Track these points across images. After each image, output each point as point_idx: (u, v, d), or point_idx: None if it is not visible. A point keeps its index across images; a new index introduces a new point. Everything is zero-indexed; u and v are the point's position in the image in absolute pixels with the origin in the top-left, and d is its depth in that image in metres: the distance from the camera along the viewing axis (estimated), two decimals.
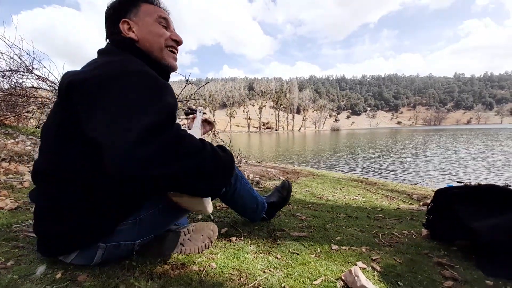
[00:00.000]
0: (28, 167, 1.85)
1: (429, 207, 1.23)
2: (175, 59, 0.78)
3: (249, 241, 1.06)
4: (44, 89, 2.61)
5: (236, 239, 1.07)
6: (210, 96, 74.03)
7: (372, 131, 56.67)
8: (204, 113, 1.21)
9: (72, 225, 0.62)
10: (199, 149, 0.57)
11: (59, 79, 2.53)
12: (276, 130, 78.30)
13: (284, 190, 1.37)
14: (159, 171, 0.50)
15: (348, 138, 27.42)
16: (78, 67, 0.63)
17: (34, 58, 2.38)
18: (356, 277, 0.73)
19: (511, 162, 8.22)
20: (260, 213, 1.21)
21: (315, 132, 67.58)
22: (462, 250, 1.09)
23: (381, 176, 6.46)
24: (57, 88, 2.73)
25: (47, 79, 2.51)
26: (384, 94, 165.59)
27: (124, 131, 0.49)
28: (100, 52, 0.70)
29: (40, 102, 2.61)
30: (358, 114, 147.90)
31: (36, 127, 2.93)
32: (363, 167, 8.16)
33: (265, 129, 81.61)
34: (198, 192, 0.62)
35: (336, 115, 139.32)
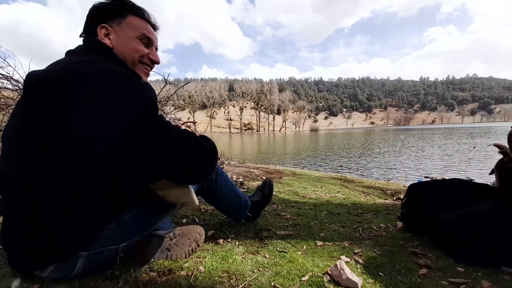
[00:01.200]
0: None
1: (403, 201, 1.32)
2: (147, 75, 0.79)
3: (237, 243, 1.06)
4: (8, 89, 2.36)
5: (223, 241, 1.06)
6: (189, 97, 72.45)
7: (349, 131, 59.29)
8: (179, 119, 1.20)
9: (48, 235, 0.58)
10: (184, 133, 0.62)
11: (24, 77, 2.29)
12: (257, 131, 78.66)
13: (266, 188, 1.39)
14: (152, 156, 0.56)
15: (326, 138, 28.38)
16: (44, 65, 0.61)
17: None
18: (341, 271, 0.76)
19: (470, 158, 9.08)
20: (244, 211, 1.21)
21: (295, 132, 69.04)
22: (433, 240, 1.19)
23: (358, 174, 6.79)
24: (22, 87, 2.49)
25: (11, 78, 2.28)
26: (358, 96, 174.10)
27: (111, 126, 0.52)
28: (70, 52, 0.66)
29: (4, 103, 2.34)
30: (335, 115, 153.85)
31: None
32: (341, 165, 8.51)
33: (246, 130, 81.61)
34: (188, 175, 0.66)
35: (314, 116, 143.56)
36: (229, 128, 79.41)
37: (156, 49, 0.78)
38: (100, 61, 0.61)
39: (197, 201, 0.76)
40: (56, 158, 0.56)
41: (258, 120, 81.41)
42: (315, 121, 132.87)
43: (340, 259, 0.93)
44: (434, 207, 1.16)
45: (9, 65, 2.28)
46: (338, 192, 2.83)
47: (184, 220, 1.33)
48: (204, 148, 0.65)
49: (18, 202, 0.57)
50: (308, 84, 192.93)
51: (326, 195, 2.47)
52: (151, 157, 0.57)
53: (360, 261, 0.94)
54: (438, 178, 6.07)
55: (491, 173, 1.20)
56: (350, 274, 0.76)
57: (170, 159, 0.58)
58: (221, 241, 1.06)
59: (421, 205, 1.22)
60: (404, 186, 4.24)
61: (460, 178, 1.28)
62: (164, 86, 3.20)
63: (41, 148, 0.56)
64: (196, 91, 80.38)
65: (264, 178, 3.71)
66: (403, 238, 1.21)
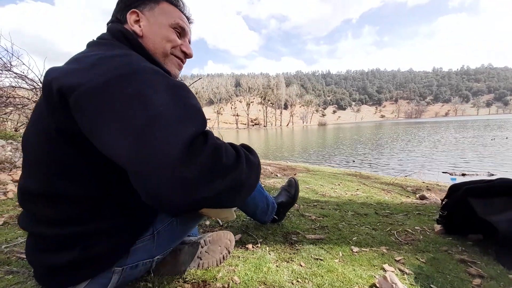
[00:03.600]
0: (10, 175, 1.67)
1: (444, 202, 1.22)
2: (180, 68, 0.69)
3: (267, 248, 0.99)
4: (23, 88, 2.35)
5: (252, 247, 1.00)
6: (196, 93, 72.72)
7: (358, 125, 58.20)
8: None
9: (81, 253, 0.52)
10: (237, 156, 0.49)
11: (39, 76, 2.29)
12: (264, 126, 78.43)
13: (292, 188, 1.32)
14: (209, 191, 0.41)
15: (335, 133, 27.95)
16: (53, 63, 0.51)
17: (12, 54, 2.13)
18: (393, 285, 0.69)
19: (490, 151, 8.69)
20: (271, 214, 1.15)
21: (303, 127, 68.37)
22: (477, 244, 1.10)
23: (371, 169, 6.62)
24: (37, 86, 2.49)
25: (26, 77, 2.26)
26: (368, 89, 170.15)
27: (162, 148, 0.39)
28: (94, 43, 0.57)
29: (19, 103, 2.34)
30: (344, 109, 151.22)
31: (14, 130, 2.65)
32: (353, 160, 8.33)
33: (253, 125, 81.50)
34: (237, 203, 0.54)
35: (322, 110, 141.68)
36: (236, 123, 79.55)
37: (189, 41, 0.70)
38: (132, 56, 0.50)
39: (235, 215, 0.71)
40: (87, 170, 0.50)
41: (265, 115, 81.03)
42: (323, 115, 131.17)
43: (383, 268, 0.86)
44: (482, 209, 1.05)
45: (23, 64, 2.26)
46: (358, 189, 2.73)
47: (208, 222, 1.28)
48: (253, 168, 0.53)
49: (49, 217, 0.52)
50: (316, 77, 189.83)
51: (346, 193, 2.38)
52: (208, 189, 0.42)
53: (406, 270, 0.86)
54: (457, 173, 5.84)
55: None
56: None
57: (225, 187, 0.44)
58: (250, 246, 1.00)
59: (464, 206, 1.12)
60: (423, 182, 4.08)
61: (509, 178, 1.16)
62: None
63: (70, 159, 0.49)
64: (203, 87, 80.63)
65: (278, 175, 3.65)
66: (445, 243, 1.12)
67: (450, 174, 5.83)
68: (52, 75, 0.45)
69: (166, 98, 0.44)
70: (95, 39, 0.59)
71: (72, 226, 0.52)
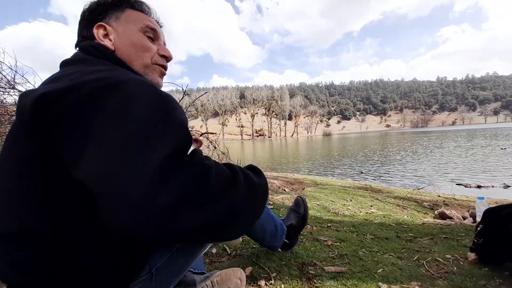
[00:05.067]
0: None
1: (479, 228, 1.09)
2: (163, 75, 0.62)
3: (282, 285, 0.88)
4: None
5: (265, 283, 0.89)
6: (202, 105, 73.92)
7: (363, 135, 57.57)
8: (192, 128, 1.06)
9: None
10: (232, 178, 0.42)
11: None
12: (269, 137, 78.53)
13: (300, 207, 1.22)
14: (196, 220, 0.35)
15: (340, 143, 27.64)
16: None
17: (16, 72, 2.13)
18: None
19: (503, 160, 8.36)
20: (281, 238, 1.04)
21: (308, 137, 68.09)
22: None
23: (382, 181, 6.40)
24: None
25: None
26: (372, 99, 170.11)
27: (136, 169, 0.33)
28: (70, 62, 0.50)
29: None
30: (348, 119, 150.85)
31: None
32: (361, 172, 8.11)
33: (258, 136, 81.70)
34: (236, 233, 0.46)
35: (327, 120, 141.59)
36: (241, 134, 79.89)
37: (164, 44, 0.64)
38: (118, 71, 0.46)
39: (240, 238, 0.62)
40: (74, 201, 0.42)
41: (269, 126, 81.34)
42: (328, 125, 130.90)
43: None
44: None
45: (28, 82, 2.26)
46: (372, 206, 2.58)
47: (214, 250, 1.17)
48: (256, 192, 0.46)
49: (24, 262, 0.43)
50: (319, 88, 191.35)
51: (360, 211, 2.24)
52: (190, 219, 0.35)
53: None
54: (472, 185, 5.56)
55: None
56: None
57: (214, 217, 0.37)
58: (262, 283, 0.89)
59: (504, 233, 0.99)
60: (439, 196, 3.87)
61: None
62: (182, 97, 3.14)
63: (52, 190, 0.41)
64: (208, 100, 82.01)
65: (286, 190, 3.51)
66: (482, 276, 0.98)
67: (465, 186, 5.56)
68: (27, 94, 0.41)
69: (147, 112, 0.39)
70: (71, 57, 0.52)
71: (53, 272, 0.43)
